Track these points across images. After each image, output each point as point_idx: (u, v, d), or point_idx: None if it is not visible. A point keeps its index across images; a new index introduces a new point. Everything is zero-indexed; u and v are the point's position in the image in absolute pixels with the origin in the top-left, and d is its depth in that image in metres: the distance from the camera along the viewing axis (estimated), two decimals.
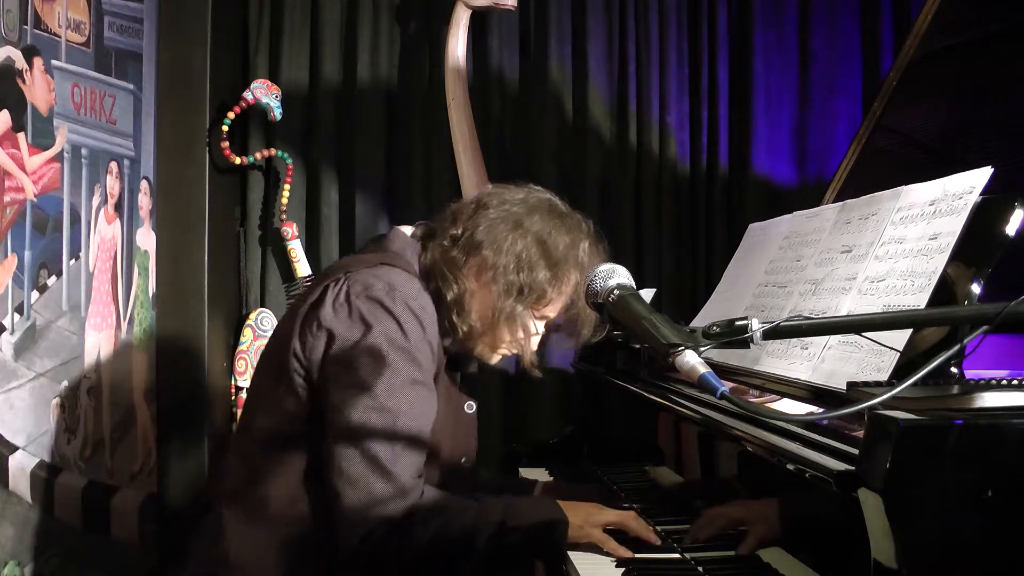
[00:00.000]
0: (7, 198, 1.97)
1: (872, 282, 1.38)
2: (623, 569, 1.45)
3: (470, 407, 1.68)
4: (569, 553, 1.55)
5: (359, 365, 1.40)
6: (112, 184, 2.43)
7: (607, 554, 1.52)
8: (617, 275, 1.31)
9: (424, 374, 1.45)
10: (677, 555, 1.49)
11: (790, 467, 1.15)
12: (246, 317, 2.93)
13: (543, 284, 1.53)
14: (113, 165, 2.44)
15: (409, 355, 1.42)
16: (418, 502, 1.39)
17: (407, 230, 1.64)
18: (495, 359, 1.63)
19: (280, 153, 2.94)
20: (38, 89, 2.09)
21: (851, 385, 1.21)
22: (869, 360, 1.25)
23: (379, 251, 1.58)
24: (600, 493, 1.80)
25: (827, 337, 1.37)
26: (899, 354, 1.19)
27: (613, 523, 1.49)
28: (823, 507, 1.10)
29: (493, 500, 1.51)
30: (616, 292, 1.29)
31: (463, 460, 1.65)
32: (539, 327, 1.60)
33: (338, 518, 1.38)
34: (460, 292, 1.52)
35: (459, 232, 1.55)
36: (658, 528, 1.61)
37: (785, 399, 1.44)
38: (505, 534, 1.42)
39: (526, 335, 1.58)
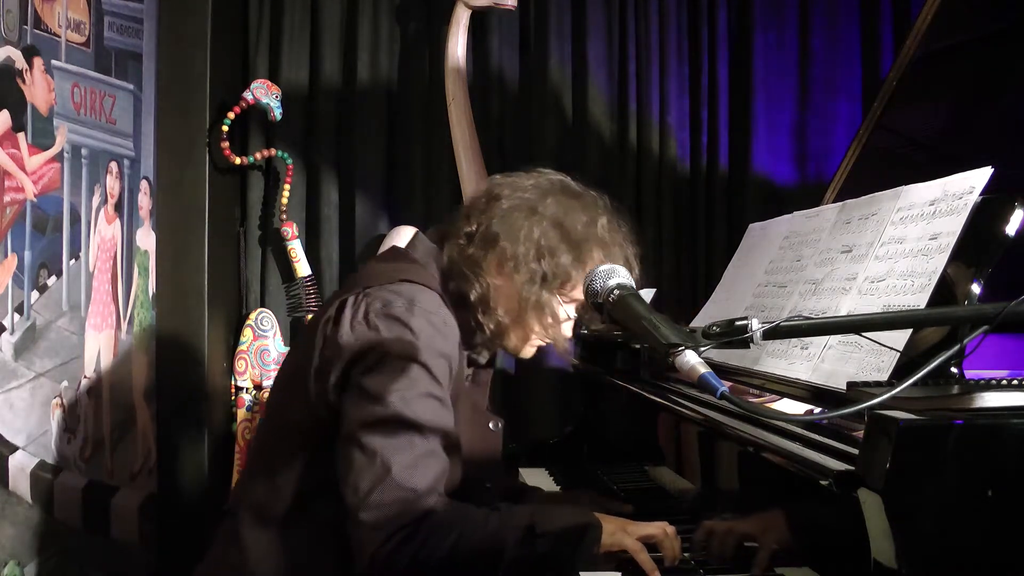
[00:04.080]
0: (7, 198, 1.97)
1: (872, 282, 1.38)
2: (621, 572, 1.45)
3: (496, 425, 1.64)
4: None
5: (377, 378, 1.37)
6: (112, 184, 2.43)
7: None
8: (617, 275, 1.31)
9: (441, 390, 1.42)
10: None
11: (790, 467, 1.15)
12: (246, 317, 2.93)
13: (567, 268, 1.49)
14: (113, 165, 2.44)
15: (426, 369, 1.39)
16: (436, 508, 1.36)
17: (426, 235, 1.60)
18: (529, 351, 1.60)
19: (280, 153, 2.95)
20: (38, 89, 2.09)
21: (851, 385, 1.21)
22: (869, 360, 1.25)
23: (401, 260, 1.54)
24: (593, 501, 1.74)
25: (827, 337, 1.37)
26: (899, 354, 1.19)
27: (648, 536, 1.42)
28: (823, 507, 1.10)
29: (518, 507, 1.47)
30: (616, 292, 1.29)
31: (487, 485, 1.60)
32: (570, 311, 1.56)
33: (355, 529, 1.36)
34: (483, 289, 1.49)
35: (474, 228, 1.52)
36: None
37: (785, 399, 1.44)
38: (535, 539, 1.38)
39: (556, 322, 1.54)
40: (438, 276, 1.51)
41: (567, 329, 1.58)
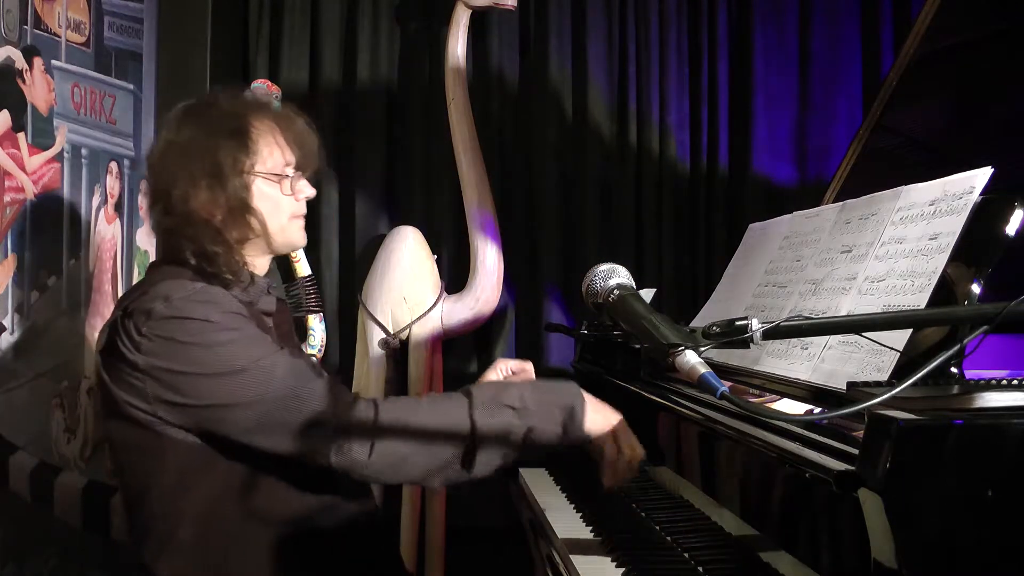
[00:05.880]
0: (7, 198, 1.97)
1: (872, 282, 1.38)
2: (623, 569, 1.45)
3: (313, 362, 1.69)
4: (568, 551, 1.55)
5: (204, 375, 1.38)
6: (112, 184, 2.43)
7: (604, 548, 1.52)
8: (617, 275, 1.32)
9: (251, 330, 1.44)
10: (677, 554, 1.49)
11: (790, 467, 1.15)
12: None
13: (236, 155, 1.49)
14: (113, 165, 2.44)
15: (227, 329, 1.41)
16: (338, 391, 1.41)
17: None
18: (292, 233, 1.59)
19: None
20: (38, 89, 2.09)
21: (851, 385, 1.21)
22: (869, 360, 1.25)
23: (147, 273, 1.57)
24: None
25: (827, 337, 1.37)
26: (899, 354, 1.19)
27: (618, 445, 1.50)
28: (823, 507, 1.10)
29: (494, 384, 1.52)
30: (616, 292, 1.29)
31: None
32: (288, 171, 1.56)
33: (320, 460, 1.39)
34: (196, 244, 1.48)
35: (159, 205, 1.51)
36: (656, 527, 1.62)
37: (785, 399, 1.44)
38: (520, 414, 1.43)
39: (272, 197, 1.54)
40: (176, 263, 1.52)
41: (304, 188, 1.58)
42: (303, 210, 1.61)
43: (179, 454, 1.42)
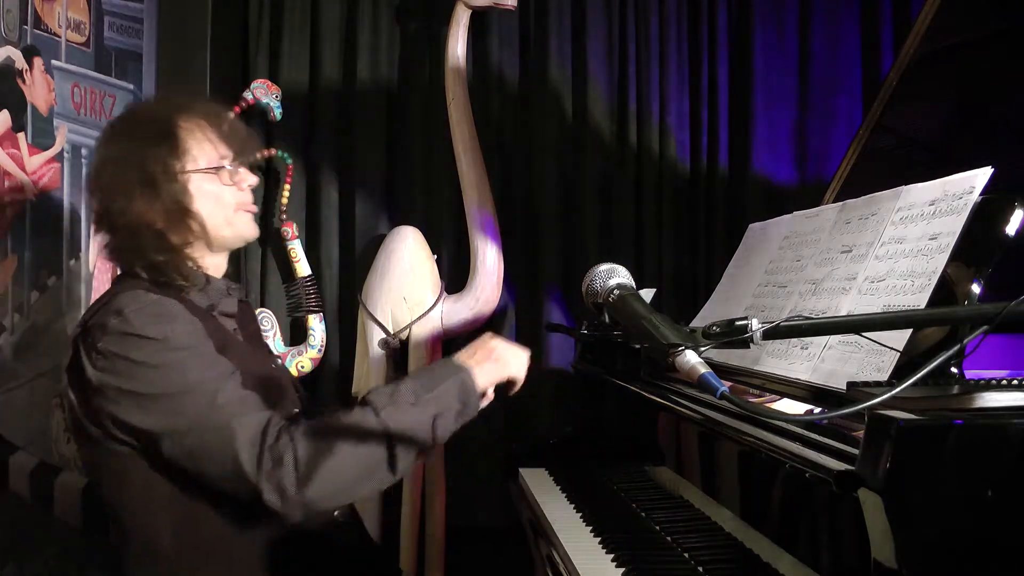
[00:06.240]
0: (7, 198, 1.97)
1: (872, 282, 1.38)
2: (623, 569, 1.45)
3: (277, 363, 1.70)
4: (568, 551, 1.56)
5: (148, 395, 1.37)
6: None
7: (604, 548, 1.52)
8: (617, 275, 1.32)
9: (204, 346, 1.43)
10: (677, 554, 1.49)
11: (790, 467, 1.15)
12: None
13: (168, 160, 1.49)
14: None
15: (177, 348, 1.39)
16: (267, 426, 1.37)
17: None
18: (241, 225, 1.59)
19: (280, 153, 2.94)
20: (38, 89, 2.09)
21: (851, 385, 1.21)
22: (869, 360, 1.25)
23: (113, 283, 1.57)
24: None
25: (827, 337, 1.37)
26: (899, 354, 1.19)
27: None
28: (823, 507, 1.10)
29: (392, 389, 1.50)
30: (616, 292, 1.30)
31: (295, 411, 1.62)
32: (225, 163, 1.56)
33: (242, 478, 1.34)
34: (146, 251, 1.48)
35: (103, 225, 1.52)
36: (656, 527, 1.62)
37: (785, 399, 1.44)
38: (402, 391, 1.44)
39: (213, 195, 1.54)
40: (132, 275, 1.52)
41: (247, 178, 1.58)
42: (249, 198, 1.61)
43: (140, 471, 1.42)
